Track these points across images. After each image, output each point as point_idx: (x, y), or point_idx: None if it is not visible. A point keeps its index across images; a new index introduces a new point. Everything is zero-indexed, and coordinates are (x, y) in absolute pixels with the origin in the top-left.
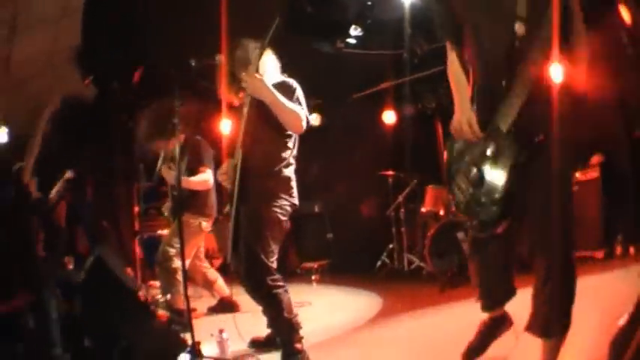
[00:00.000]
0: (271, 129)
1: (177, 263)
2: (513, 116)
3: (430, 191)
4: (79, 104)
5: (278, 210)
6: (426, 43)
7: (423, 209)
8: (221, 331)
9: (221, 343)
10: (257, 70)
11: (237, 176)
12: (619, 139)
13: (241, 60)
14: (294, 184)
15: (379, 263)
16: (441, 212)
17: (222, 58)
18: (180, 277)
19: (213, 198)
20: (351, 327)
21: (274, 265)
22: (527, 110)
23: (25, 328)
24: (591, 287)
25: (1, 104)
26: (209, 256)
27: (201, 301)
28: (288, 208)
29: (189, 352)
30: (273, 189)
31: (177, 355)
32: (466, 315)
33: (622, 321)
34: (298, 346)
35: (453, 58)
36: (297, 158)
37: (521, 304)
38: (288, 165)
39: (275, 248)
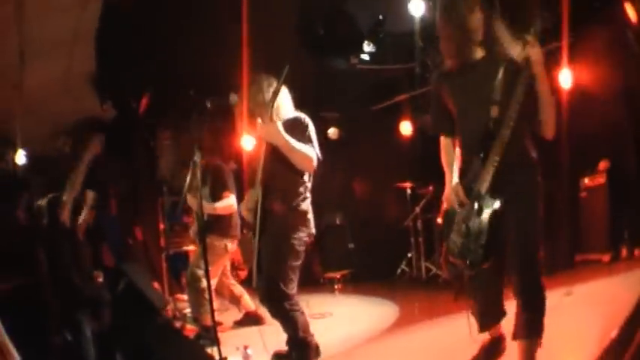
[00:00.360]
0: (287, 167)
1: (205, 283)
2: (489, 180)
3: None
4: (97, 124)
5: (296, 242)
6: (437, 54)
7: (439, 219)
8: (246, 347)
9: (246, 359)
10: (271, 115)
11: (259, 212)
12: (625, 140)
13: (255, 96)
14: (310, 216)
15: (399, 271)
16: None
17: (236, 98)
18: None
19: (236, 219)
20: (368, 337)
21: (293, 291)
22: (500, 173)
23: (58, 345)
24: (594, 293)
25: (17, 127)
26: (235, 268)
27: (228, 314)
28: (306, 239)
29: None
30: (291, 223)
31: None
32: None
33: (613, 334)
34: None
35: (445, 146)
36: (318, 171)
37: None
38: (304, 199)
39: (294, 277)
